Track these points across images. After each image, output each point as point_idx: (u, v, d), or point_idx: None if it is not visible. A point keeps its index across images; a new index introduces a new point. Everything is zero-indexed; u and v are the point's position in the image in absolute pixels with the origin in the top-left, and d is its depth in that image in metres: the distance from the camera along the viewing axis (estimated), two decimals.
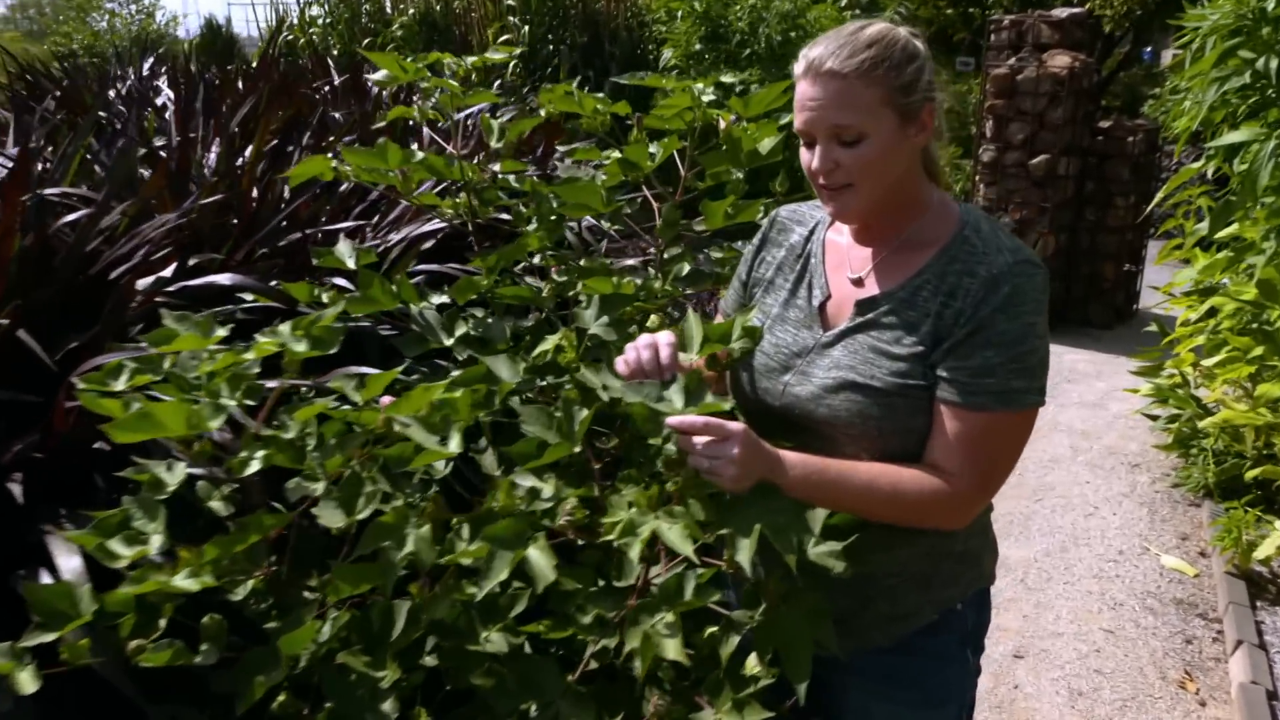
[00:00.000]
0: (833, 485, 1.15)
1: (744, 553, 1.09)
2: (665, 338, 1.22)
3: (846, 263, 1.30)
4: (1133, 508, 3.95)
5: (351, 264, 1.82)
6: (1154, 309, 5.44)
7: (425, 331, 1.76)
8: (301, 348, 1.32)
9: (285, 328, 1.37)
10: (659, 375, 1.21)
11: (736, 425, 1.10)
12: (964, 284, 1.17)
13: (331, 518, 1.25)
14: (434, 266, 2.32)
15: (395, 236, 2.42)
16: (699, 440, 1.10)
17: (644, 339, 1.23)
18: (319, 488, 1.26)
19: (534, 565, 1.13)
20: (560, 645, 1.39)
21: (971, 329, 1.15)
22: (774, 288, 1.36)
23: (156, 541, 1.23)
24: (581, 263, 2.07)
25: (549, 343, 1.58)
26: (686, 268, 1.93)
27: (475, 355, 1.78)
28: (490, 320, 1.80)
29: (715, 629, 1.26)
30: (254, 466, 1.19)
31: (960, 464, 1.17)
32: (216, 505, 1.46)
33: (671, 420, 1.13)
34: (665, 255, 1.88)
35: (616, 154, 1.85)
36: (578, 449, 1.29)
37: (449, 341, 1.74)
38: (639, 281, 1.84)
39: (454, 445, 1.24)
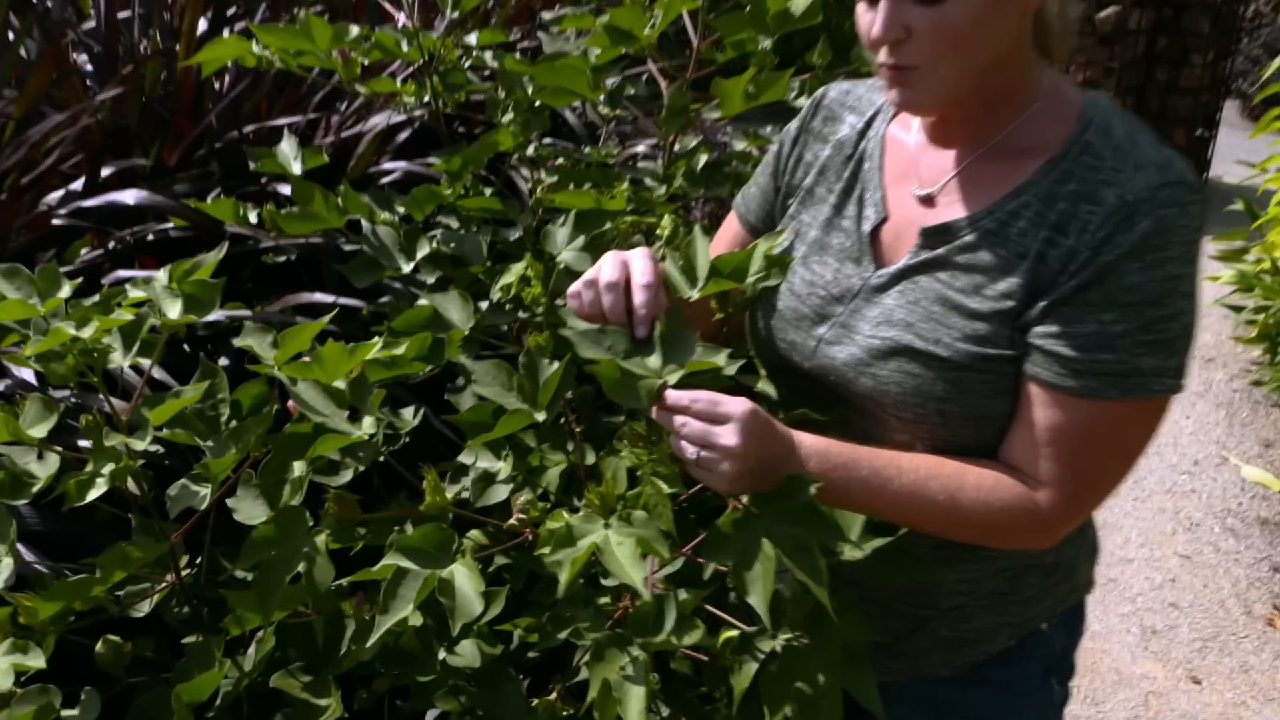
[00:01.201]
0: (863, 486, 0.84)
1: (757, 593, 0.78)
2: (642, 269, 0.86)
3: (914, 171, 0.94)
4: (1208, 409, 3.59)
5: (296, 168, 1.49)
6: (1226, 179, 4.92)
7: (378, 254, 1.43)
8: (175, 310, 1.00)
9: (161, 276, 1.05)
10: (629, 325, 0.88)
11: (736, 404, 0.78)
12: (1081, 213, 0.81)
13: (250, 511, 0.96)
14: (407, 165, 1.96)
15: (364, 127, 2.06)
16: (683, 421, 0.79)
17: (608, 267, 0.87)
18: (204, 494, 0.96)
19: (458, 592, 0.83)
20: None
21: (1087, 280, 0.80)
22: (813, 200, 1.00)
23: (4, 570, 0.95)
24: (586, 152, 1.72)
25: (511, 274, 1.25)
26: (703, 160, 1.57)
27: (448, 277, 1.47)
28: (464, 234, 1.47)
29: (732, 635, 0.97)
30: (98, 490, 0.89)
31: (1053, 469, 0.84)
32: (133, 487, 1.19)
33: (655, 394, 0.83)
34: (673, 150, 1.52)
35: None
36: (542, 416, 0.98)
37: (407, 267, 1.41)
38: (638, 183, 1.49)
39: (368, 424, 0.93)
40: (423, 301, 1.52)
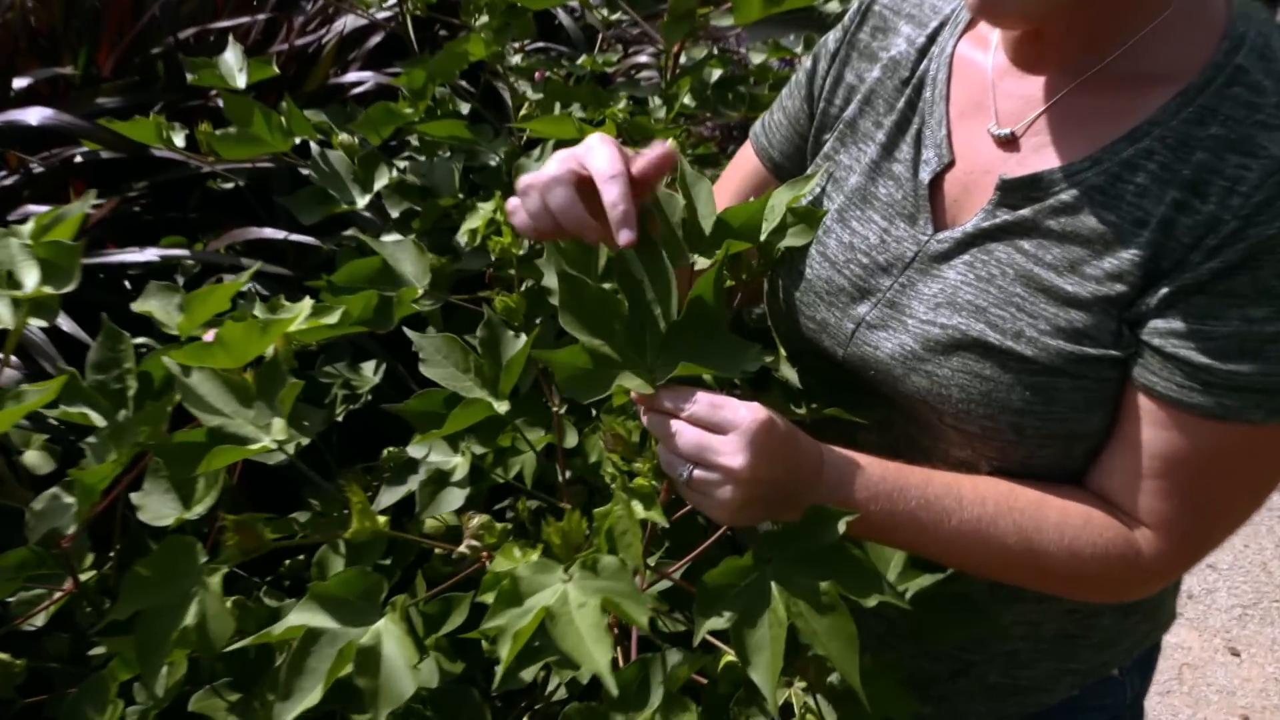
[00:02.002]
0: (911, 522, 0.64)
1: (761, 666, 0.60)
2: (604, 158, 0.62)
3: (989, 103, 0.71)
4: None
5: (240, 80, 1.28)
6: None
7: (328, 184, 1.22)
8: (33, 279, 0.79)
9: (26, 231, 0.84)
10: (593, 233, 0.65)
11: (745, 410, 0.59)
12: (1228, 168, 0.60)
13: (158, 510, 0.78)
14: (378, 76, 1.72)
15: (329, 31, 1.81)
16: (675, 428, 0.60)
17: (553, 163, 0.65)
18: (72, 506, 0.77)
19: (384, 666, 0.64)
20: None
21: (1232, 261, 0.59)
22: (855, 136, 0.78)
23: None
24: (579, 64, 1.49)
25: (478, 216, 1.04)
26: (715, 76, 1.33)
27: (414, 209, 1.27)
28: (435, 161, 1.27)
29: (733, 663, 0.78)
30: None
31: (1163, 508, 0.65)
32: (34, 459, 1.03)
33: (637, 394, 0.63)
34: (678, 62, 1.28)
35: None
36: (504, 408, 0.79)
37: (362, 200, 1.21)
38: (642, 103, 1.26)
39: (278, 429, 0.74)
40: (389, 237, 1.32)
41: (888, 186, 0.74)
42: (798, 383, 0.82)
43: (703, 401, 0.59)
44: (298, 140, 1.21)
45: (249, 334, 0.76)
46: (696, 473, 0.59)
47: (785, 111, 0.85)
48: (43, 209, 1.32)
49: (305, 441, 1.10)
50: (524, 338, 0.82)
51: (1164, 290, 0.61)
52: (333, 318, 0.87)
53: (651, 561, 0.85)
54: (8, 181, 1.39)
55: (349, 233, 1.45)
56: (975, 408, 0.66)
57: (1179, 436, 0.62)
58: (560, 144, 1.00)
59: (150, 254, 1.34)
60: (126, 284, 1.46)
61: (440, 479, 0.87)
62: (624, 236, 0.61)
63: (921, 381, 0.69)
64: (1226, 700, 2.01)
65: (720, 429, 0.58)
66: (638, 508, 0.61)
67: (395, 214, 1.27)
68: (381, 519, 0.72)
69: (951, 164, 0.71)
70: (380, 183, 1.20)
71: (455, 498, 0.85)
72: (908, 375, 0.69)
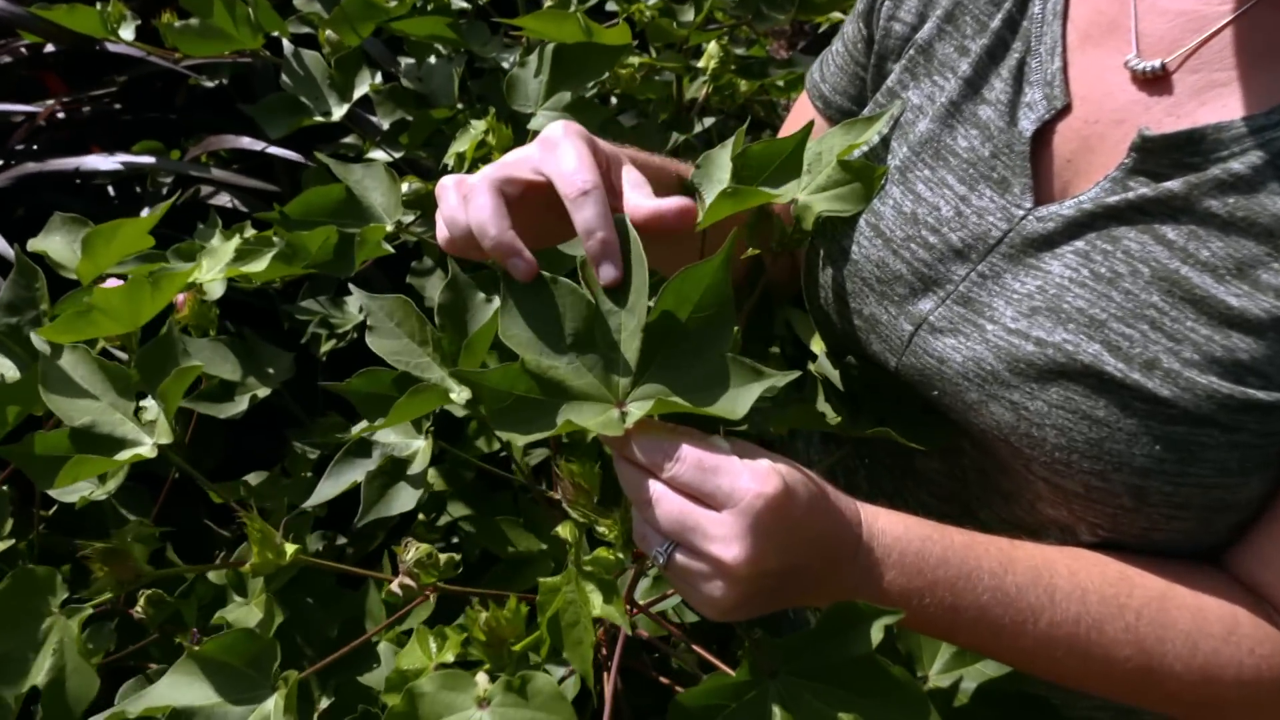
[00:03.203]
0: (981, 620, 0.47)
1: None
2: (571, 157, 0.46)
3: (1127, 22, 0.51)
4: None
5: None
6: None
7: (299, 89, 1.06)
8: None
9: None
10: (525, 270, 0.47)
11: (749, 477, 0.41)
12: None
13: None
14: None
15: None
16: (655, 492, 0.43)
17: (494, 167, 0.48)
18: None
19: None
20: None
21: None
22: (930, 65, 0.58)
23: None
24: None
25: (465, 139, 0.86)
26: None
27: (405, 119, 1.11)
28: (433, 63, 1.09)
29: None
30: None
31: None
32: None
33: (606, 432, 0.45)
34: None
35: None
36: (464, 396, 0.63)
37: (339, 111, 1.04)
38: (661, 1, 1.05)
39: (162, 431, 0.58)
40: (376, 152, 1.17)
41: (970, 137, 0.54)
42: (840, 384, 0.64)
43: (689, 460, 0.41)
44: (278, 36, 1.03)
45: (135, 296, 0.61)
46: (678, 556, 0.42)
47: (844, 37, 0.64)
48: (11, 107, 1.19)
49: (263, 393, 0.96)
50: (495, 303, 0.65)
51: None
52: (259, 265, 0.70)
53: (641, 590, 0.70)
54: None
55: (349, 140, 1.28)
56: (1079, 460, 0.48)
57: None
58: (561, 52, 0.81)
59: (114, 161, 1.19)
60: (110, 190, 1.33)
61: (395, 469, 0.71)
62: (605, 273, 0.45)
63: (1003, 414, 0.50)
64: None
65: (713, 501, 0.41)
66: (594, 598, 0.44)
67: (386, 124, 1.10)
68: (291, 548, 0.57)
69: (1067, 109, 0.51)
70: (361, 89, 1.03)
71: (408, 497, 0.69)
72: (984, 403, 0.51)
